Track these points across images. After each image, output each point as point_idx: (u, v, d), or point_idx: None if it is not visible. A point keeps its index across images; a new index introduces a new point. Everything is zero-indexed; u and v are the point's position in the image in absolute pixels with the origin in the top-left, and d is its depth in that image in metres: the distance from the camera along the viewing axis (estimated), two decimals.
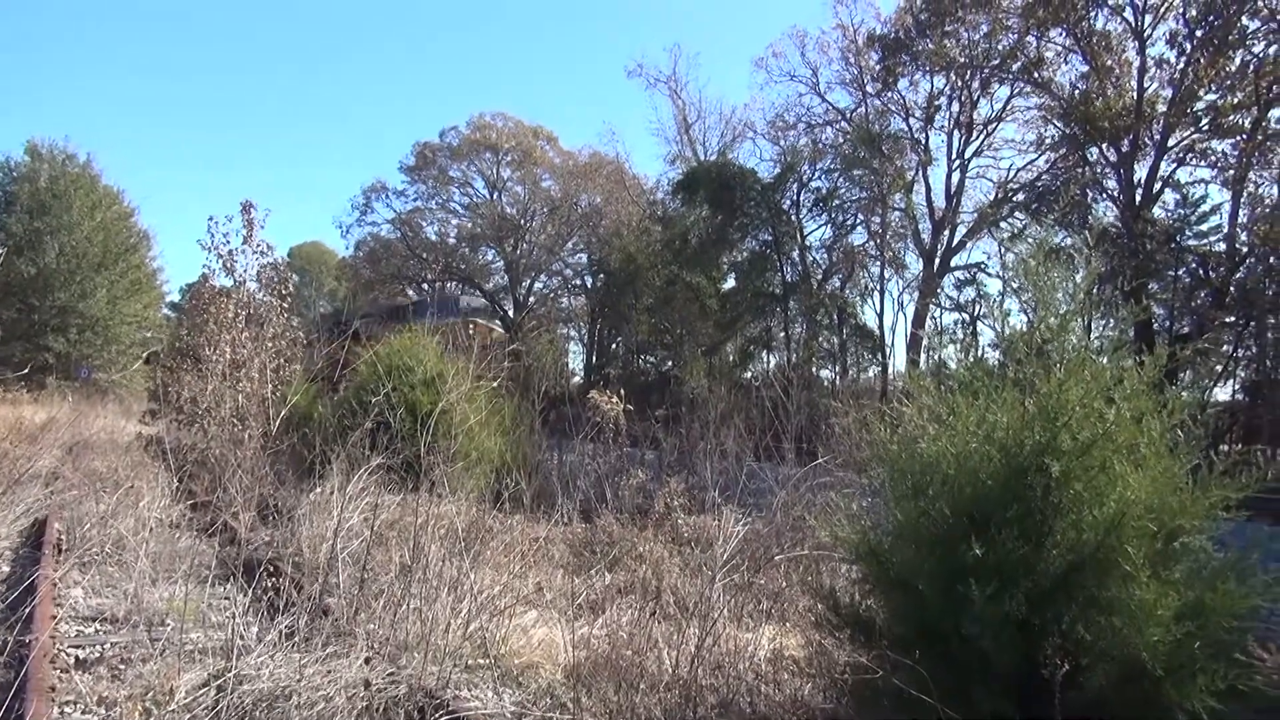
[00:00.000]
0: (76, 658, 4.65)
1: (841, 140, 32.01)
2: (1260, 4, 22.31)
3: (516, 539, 6.54)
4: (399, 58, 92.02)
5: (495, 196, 47.19)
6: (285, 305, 12.60)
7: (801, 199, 32.18)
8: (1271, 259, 23.16)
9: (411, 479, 6.81)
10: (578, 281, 47.34)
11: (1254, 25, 22.87)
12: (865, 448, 5.47)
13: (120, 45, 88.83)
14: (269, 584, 4.90)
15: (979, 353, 5.21)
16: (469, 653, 4.59)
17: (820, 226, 32.89)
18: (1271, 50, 22.64)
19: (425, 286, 47.47)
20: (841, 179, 31.90)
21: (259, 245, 12.14)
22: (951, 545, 3.65)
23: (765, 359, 33.63)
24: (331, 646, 4.15)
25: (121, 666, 4.44)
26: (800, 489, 6.65)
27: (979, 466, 3.86)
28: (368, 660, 4.15)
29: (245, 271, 12.15)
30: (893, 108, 31.27)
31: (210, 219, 11.79)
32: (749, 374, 30.95)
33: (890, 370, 29.80)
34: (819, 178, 32.26)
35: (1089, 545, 3.50)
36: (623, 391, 9.92)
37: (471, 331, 24.19)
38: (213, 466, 8.83)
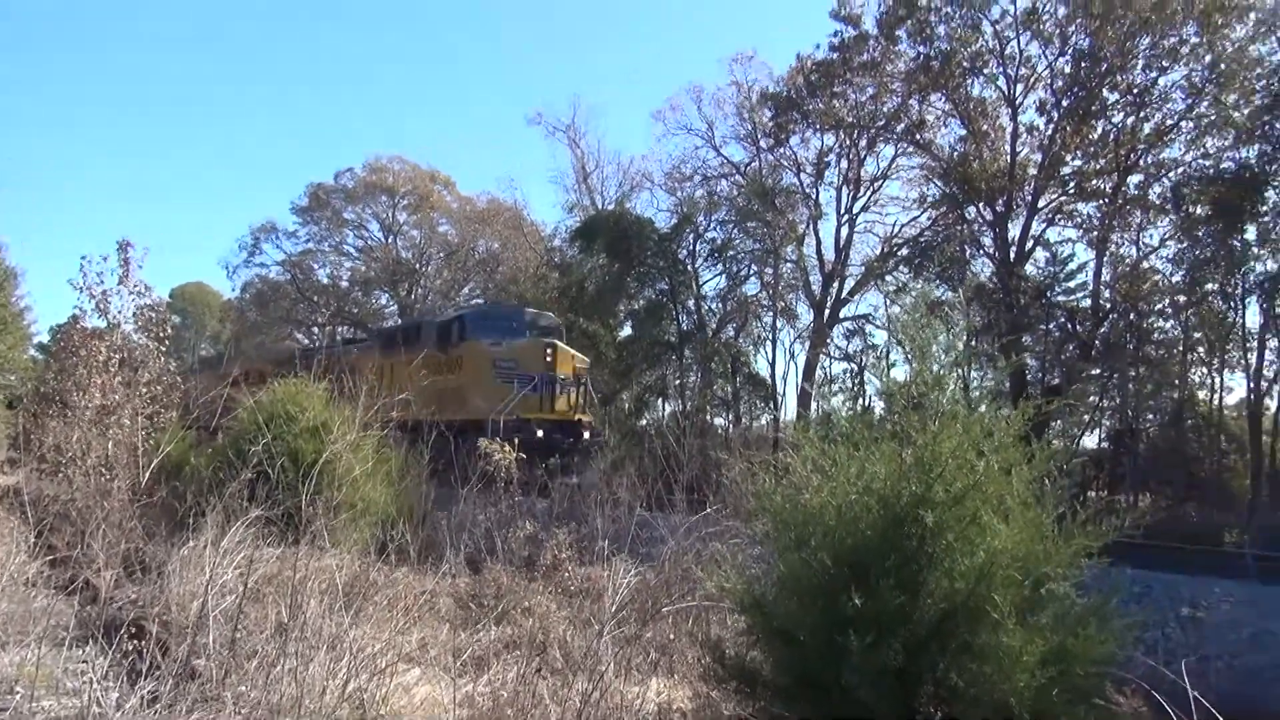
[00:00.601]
0: None
1: (736, 193, 32.83)
2: (1119, 79, 24.07)
3: (401, 593, 6.35)
4: (295, 98, 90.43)
5: (390, 240, 46.55)
6: (163, 348, 12.09)
7: (697, 249, 32.80)
8: (1131, 315, 24.74)
9: (292, 532, 6.56)
10: None
11: (1113, 98, 24.67)
12: (752, 498, 5.55)
13: None
14: (131, 646, 4.63)
15: (865, 403, 5.36)
16: (346, 714, 4.41)
17: (715, 276, 33.60)
18: (1129, 121, 24.44)
19: (315, 330, 46.28)
20: (736, 230, 32.68)
21: (136, 285, 11.63)
22: (832, 596, 3.73)
23: (661, 407, 33.88)
24: (197, 712, 3.95)
25: None
26: (689, 539, 6.68)
27: (859, 517, 3.96)
28: None
29: (120, 313, 11.62)
30: (785, 163, 32.35)
31: (83, 258, 11.25)
32: (645, 421, 31.08)
33: (782, 419, 30.41)
34: (714, 229, 32.99)
35: (961, 594, 3.62)
36: (516, 439, 9.81)
37: (549, 357, 17.85)
38: (76, 519, 8.33)
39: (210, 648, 4.91)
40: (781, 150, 31.79)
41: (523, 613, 6.55)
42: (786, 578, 4.06)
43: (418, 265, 46.05)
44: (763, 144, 32.24)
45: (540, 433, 15.50)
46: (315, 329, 46.57)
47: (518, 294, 35.69)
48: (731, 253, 32.72)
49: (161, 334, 11.99)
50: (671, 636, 5.75)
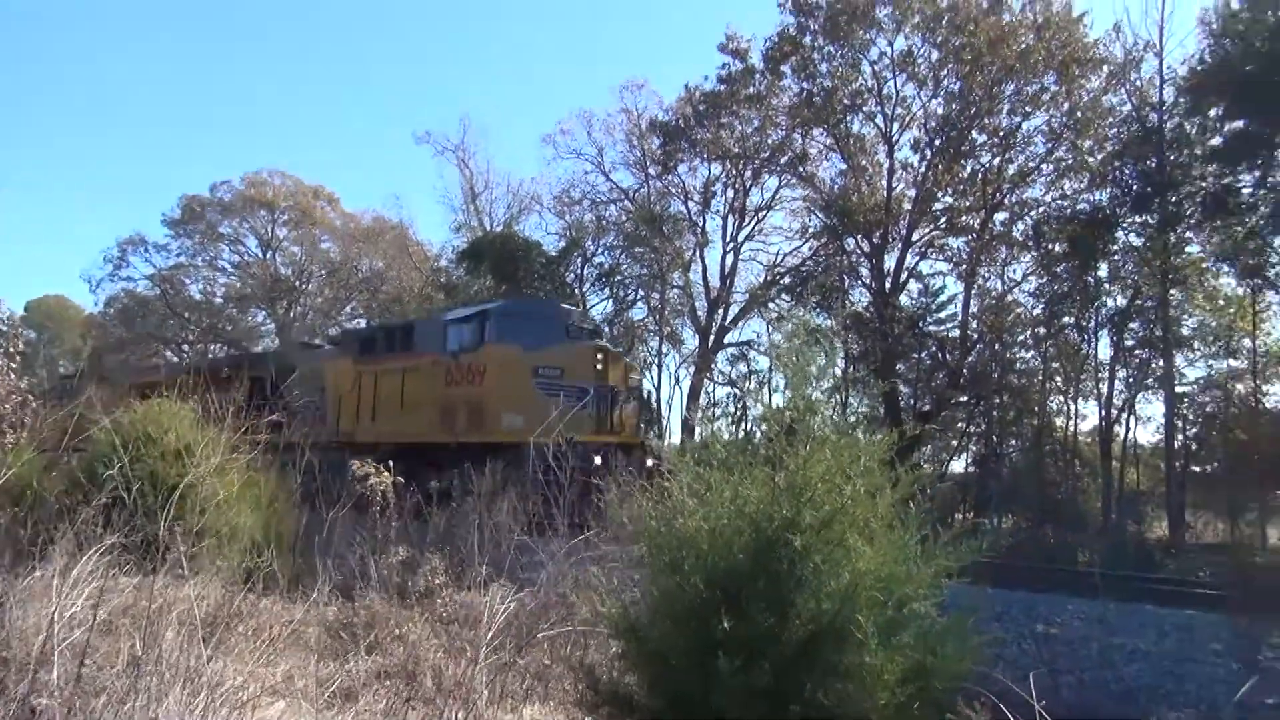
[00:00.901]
0: None
1: (624, 218, 33.23)
2: (987, 121, 25.47)
3: (267, 623, 6.10)
4: (170, 109, 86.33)
5: (269, 256, 45.07)
6: (14, 365, 11.35)
7: (585, 273, 33.03)
8: (996, 345, 26.06)
9: (152, 560, 6.22)
10: None
11: (982, 139, 26.09)
12: (629, 522, 5.58)
13: None
14: None
15: (747, 426, 5.44)
16: None
17: (602, 300, 33.90)
18: (996, 162, 25.87)
19: (185, 348, 44.27)
20: (624, 255, 33.07)
21: None
22: (704, 618, 3.77)
23: None
24: None
25: None
26: (568, 563, 6.65)
27: (732, 540, 4.02)
28: None
29: None
30: (673, 190, 32.93)
31: None
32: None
33: (666, 443, 30.69)
34: (602, 253, 33.33)
35: (827, 615, 3.71)
36: (391, 463, 9.57)
37: (600, 365, 14.60)
38: None
39: (54, 684, 4.61)
40: (670, 178, 32.38)
41: (395, 641, 6.39)
42: (660, 601, 4.09)
43: (297, 282, 44.75)
44: (651, 171, 32.77)
45: (598, 459, 12.52)
46: (185, 347, 44.54)
47: (402, 314, 35.07)
48: (619, 277, 33.10)
49: (12, 349, 11.26)
50: (548, 662, 5.71)
